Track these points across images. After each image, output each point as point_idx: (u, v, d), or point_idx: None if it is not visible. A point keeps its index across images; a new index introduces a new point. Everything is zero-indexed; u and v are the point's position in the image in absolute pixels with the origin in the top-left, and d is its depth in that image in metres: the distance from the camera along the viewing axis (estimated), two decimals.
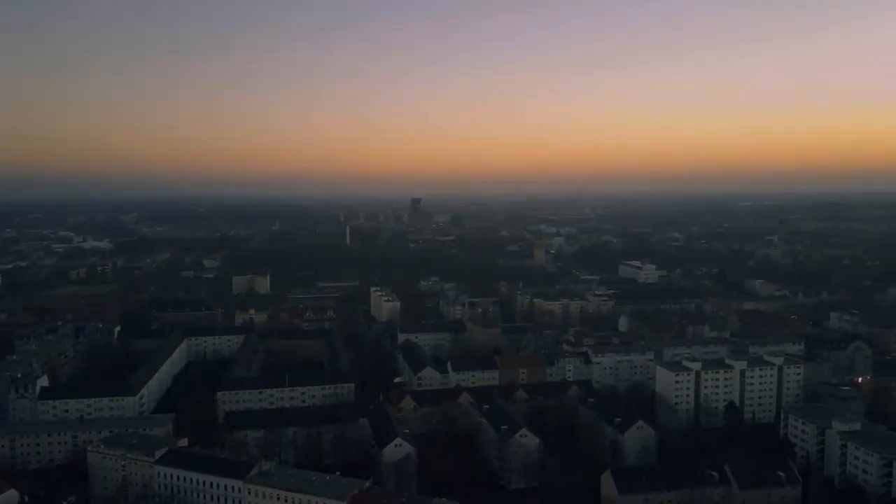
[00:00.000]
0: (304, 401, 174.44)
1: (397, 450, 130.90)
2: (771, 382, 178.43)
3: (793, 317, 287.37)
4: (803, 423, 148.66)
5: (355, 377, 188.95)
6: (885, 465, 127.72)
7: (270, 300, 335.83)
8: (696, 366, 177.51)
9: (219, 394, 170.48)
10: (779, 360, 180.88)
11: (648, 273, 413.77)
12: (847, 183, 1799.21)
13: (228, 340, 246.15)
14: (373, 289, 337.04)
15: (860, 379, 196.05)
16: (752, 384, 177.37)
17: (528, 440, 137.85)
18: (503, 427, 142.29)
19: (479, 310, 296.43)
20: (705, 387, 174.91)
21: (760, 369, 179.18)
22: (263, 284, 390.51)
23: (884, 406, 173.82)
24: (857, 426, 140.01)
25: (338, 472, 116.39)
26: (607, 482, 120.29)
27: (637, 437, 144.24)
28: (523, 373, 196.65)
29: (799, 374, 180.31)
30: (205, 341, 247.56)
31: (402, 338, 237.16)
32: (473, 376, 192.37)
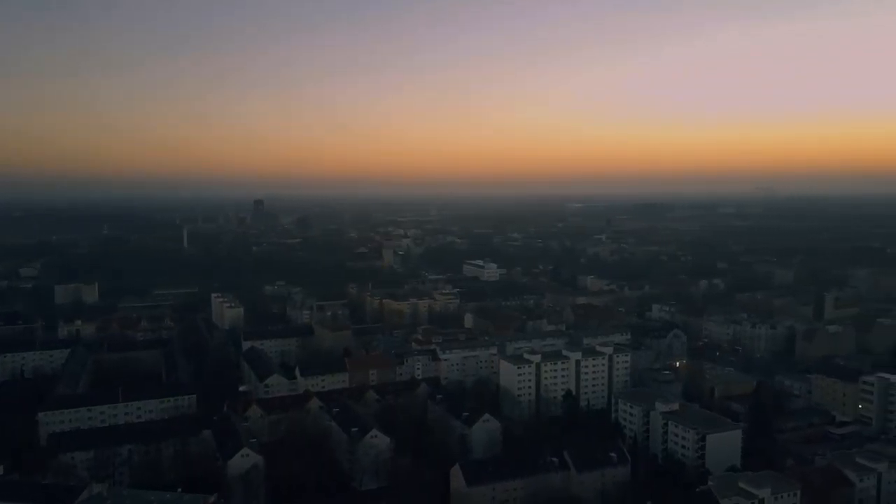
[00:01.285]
0: (140, 416, 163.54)
1: (244, 460, 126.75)
2: (603, 371, 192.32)
3: (620, 309, 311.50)
4: (631, 407, 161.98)
5: (197, 388, 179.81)
6: (700, 440, 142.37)
7: (99, 310, 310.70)
8: (536, 358, 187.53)
9: (40, 414, 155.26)
10: (609, 350, 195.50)
11: (491, 272, 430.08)
12: (663, 186, 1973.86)
13: (51, 356, 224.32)
14: (214, 295, 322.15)
15: (677, 363, 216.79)
16: (586, 373, 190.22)
17: (378, 440, 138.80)
18: (353, 429, 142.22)
19: (328, 313, 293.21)
20: (545, 378, 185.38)
21: (593, 359, 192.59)
22: (91, 293, 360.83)
23: (697, 387, 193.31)
24: (675, 406, 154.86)
25: (179, 489, 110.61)
26: (456, 475, 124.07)
27: (484, 430, 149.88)
28: (373, 373, 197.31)
29: (626, 361, 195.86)
30: (22, 357, 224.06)
31: (246, 345, 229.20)
32: (323, 380, 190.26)
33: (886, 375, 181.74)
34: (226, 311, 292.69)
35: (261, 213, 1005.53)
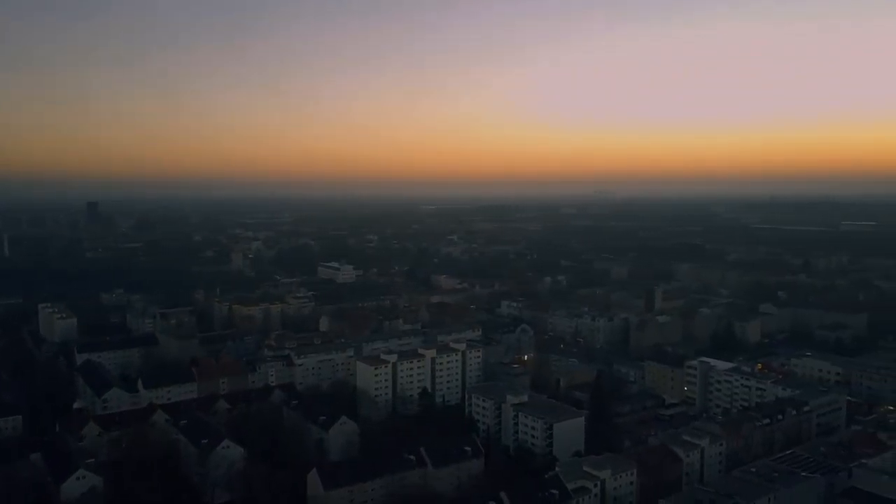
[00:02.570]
0: None
1: (80, 483, 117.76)
2: (457, 367, 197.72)
3: (472, 306, 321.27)
4: (483, 401, 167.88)
5: (23, 408, 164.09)
6: (548, 429, 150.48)
7: None
8: (393, 358, 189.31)
9: None
10: (462, 346, 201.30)
11: (346, 273, 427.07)
12: (510, 188, 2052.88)
13: None
14: (41, 305, 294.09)
15: (526, 357, 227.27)
16: (441, 370, 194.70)
17: (230, 451, 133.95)
18: (203, 441, 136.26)
19: (173, 321, 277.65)
20: (401, 377, 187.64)
21: (447, 356, 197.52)
22: None
23: (544, 378, 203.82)
24: (525, 398, 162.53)
25: None
26: (313, 480, 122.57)
27: (341, 433, 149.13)
28: (224, 382, 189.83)
29: (479, 357, 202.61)
30: None
31: (81, 358, 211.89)
32: (169, 392, 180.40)
33: (707, 360, 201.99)
34: (56, 323, 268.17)
35: (95, 217, 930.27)
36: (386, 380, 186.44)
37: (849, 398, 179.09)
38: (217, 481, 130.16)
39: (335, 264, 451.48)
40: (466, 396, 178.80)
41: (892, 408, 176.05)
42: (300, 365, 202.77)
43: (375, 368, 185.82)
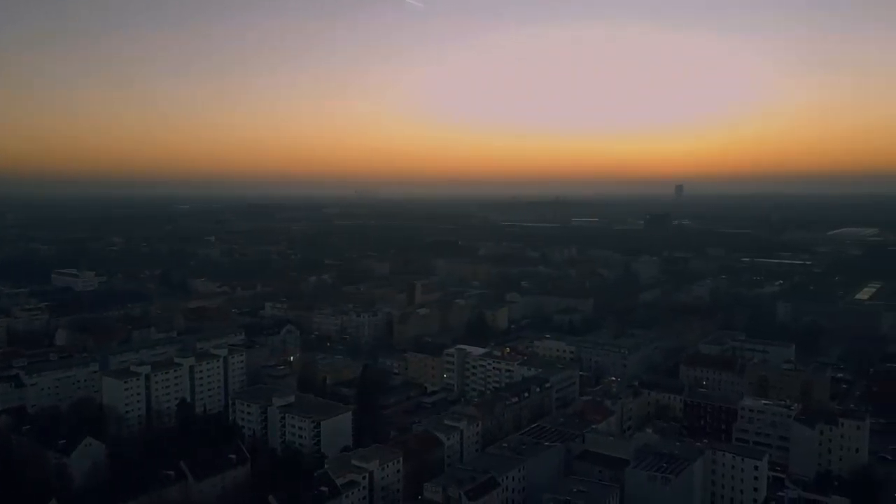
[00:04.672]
0: None
1: None
2: (218, 374, 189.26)
3: (234, 310, 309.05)
4: (248, 406, 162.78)
5: None
6: (315, 427, 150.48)
7: None
8: (145, 369, 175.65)
9: None
10: (223, 352, 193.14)
11: (87, 280, 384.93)
12: (270, 188, 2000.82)
13: None
14: None
15: (292, 357, 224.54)
16: (201, 378, 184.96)
17: None
18: None
19: None
20: (156, 389, 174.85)
21: (207, 363, 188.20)
22: None
23: (311, 377, 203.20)
24: (291, 399, 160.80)
25: None
26: None
27: (85, 456, 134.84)
28: None
29: (242, 361, 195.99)
30: None
31: None
32: None
33: (463, 347, 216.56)
34: None
35: None
36: (138, 393, 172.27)
37: (581, 373, 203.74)
38: None
39: (73, 271, 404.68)
40: (230, 403, 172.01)
41: (614, 378, 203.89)
42: (33, 385, 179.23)
43: (125, 382, 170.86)
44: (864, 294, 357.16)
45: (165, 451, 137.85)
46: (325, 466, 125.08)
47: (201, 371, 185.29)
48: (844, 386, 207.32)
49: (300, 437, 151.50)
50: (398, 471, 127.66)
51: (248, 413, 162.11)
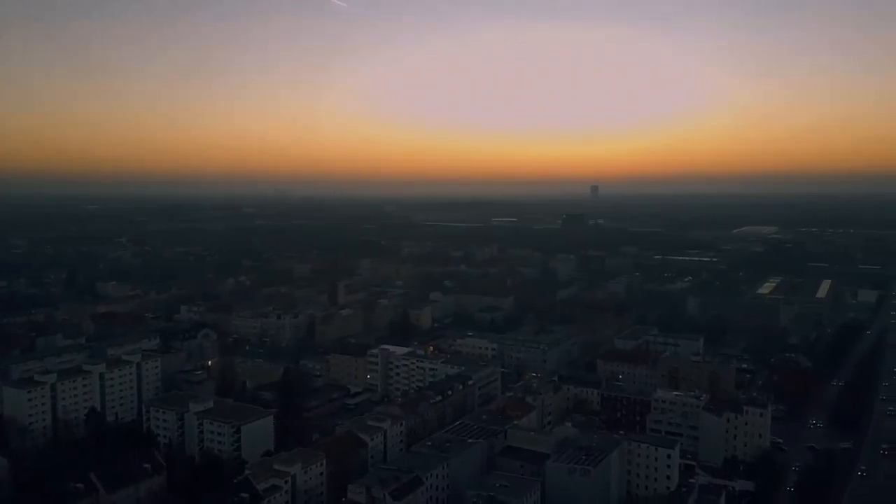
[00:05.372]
0: None
1: None
2: (131, 381, 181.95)
3: (147, 314, 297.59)
4: (164, 413, 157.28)
5: None
6: (235, 433, 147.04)
7: None
8: (51, 378, 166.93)
9: None
10: (136, 358, 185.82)
11: None
12: (186, 188, 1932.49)
13: None
14: None
15: (209, 362, 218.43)
16: (112, 386, 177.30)
17: None
18: None
19: None
20: (63, 398, 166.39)
21: (119, 370, 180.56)
22: None
23: (230, 382, 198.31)
24: (210, 404, 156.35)
25: None
26: None
27: None
28: None
29: (156, 367, 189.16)
30: None
31: None
32: None
33: (387, 347, 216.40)
34: None
35: None
36: (43, 403, 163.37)
37: (503, 369, 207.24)
38: None
39: None
40: (144, 410, 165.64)
41: (534, 374, 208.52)
42: None
43: (28, 392, 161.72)
44: (766, 289, 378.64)
45: (74, 463, 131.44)
46: (246, 472, 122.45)
47: (112, 378, 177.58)
48: (748, 376, 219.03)
49: (219, 443, 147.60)
50: (321, 473, 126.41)
51: (164, 420, 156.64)
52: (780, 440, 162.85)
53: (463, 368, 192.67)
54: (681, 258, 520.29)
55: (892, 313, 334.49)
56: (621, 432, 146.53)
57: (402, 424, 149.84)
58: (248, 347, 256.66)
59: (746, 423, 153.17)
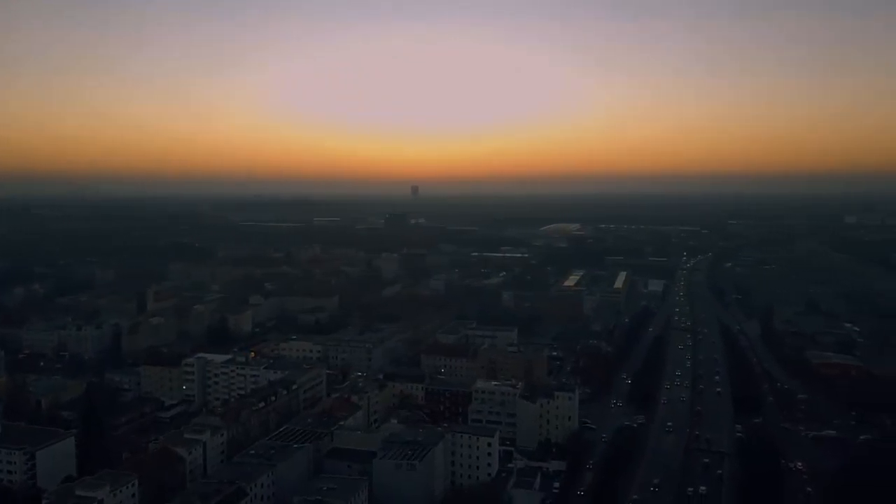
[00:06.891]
0: None
1: None
2: None
3: None
4: None
5: None
6: (29, 460, 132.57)
7: None
8: None
9: None
10: None
11: None
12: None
13: None
14: None
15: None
16: None
17: None
18: None
19: None
20: None
21: None
22: None
23: (22, 403, 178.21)
24: None
25: None
26: None
27: None
28: None
29: None
30: None
31: None
32: None
33: (204, 355, 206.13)
34: None
35: None
36: None
37: (328, 371, 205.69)
38: None
39: None
40: None
41: (360, 374, 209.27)
42: None
43: None
44: (570, 281, 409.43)
45: None
46: (44, 502, 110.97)
47: None
48: (558, 363, 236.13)
49: (10, 472, 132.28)
50: (133, 495, 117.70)
51: None
52: (588, 420, 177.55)
53: (287, 373, 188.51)
54: (496, 255, 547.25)
55: (675, 300, 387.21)
56: (445, 425, 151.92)
57: (222, 435, 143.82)
58: (42, 363, 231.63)
59: (557, 408, 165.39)
